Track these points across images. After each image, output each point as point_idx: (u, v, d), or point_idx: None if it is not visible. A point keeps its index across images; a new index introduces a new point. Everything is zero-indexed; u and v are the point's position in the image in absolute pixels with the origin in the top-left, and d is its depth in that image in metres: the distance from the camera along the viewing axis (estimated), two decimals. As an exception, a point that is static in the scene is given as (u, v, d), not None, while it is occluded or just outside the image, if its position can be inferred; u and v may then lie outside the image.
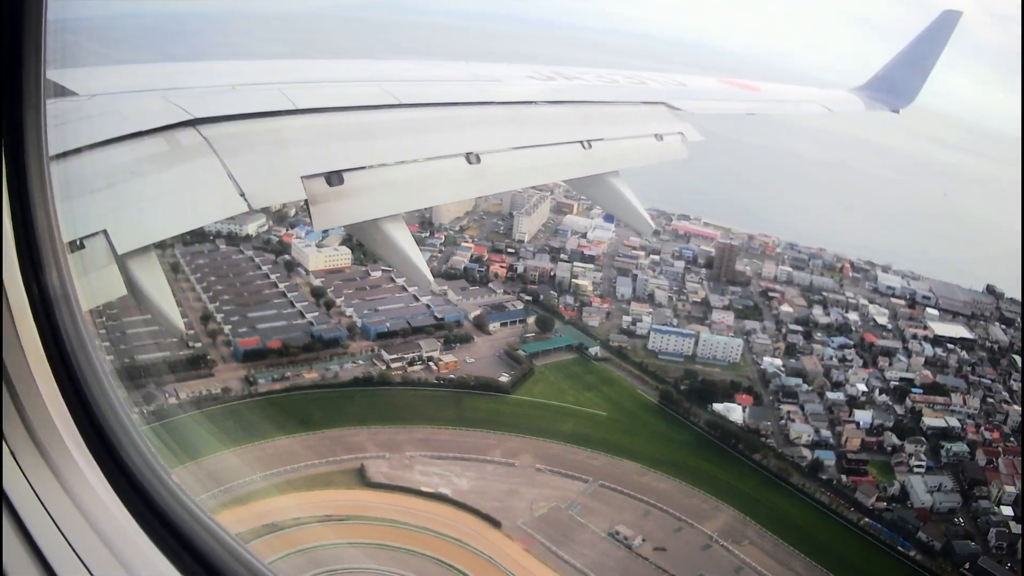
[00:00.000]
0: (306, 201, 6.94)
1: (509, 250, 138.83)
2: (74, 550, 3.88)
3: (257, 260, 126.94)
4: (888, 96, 20.82)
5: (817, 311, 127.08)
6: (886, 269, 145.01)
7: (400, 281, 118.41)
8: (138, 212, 6.33)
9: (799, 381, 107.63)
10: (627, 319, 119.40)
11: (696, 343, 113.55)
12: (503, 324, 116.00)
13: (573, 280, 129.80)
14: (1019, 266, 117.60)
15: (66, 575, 3.73)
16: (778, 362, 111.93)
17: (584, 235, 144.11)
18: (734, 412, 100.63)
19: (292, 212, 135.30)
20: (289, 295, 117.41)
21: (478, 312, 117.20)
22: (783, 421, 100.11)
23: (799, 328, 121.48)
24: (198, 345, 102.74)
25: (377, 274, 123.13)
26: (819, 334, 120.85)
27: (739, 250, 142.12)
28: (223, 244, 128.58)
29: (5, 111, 3.95)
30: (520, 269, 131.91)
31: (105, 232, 5.74)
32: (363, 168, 7.50)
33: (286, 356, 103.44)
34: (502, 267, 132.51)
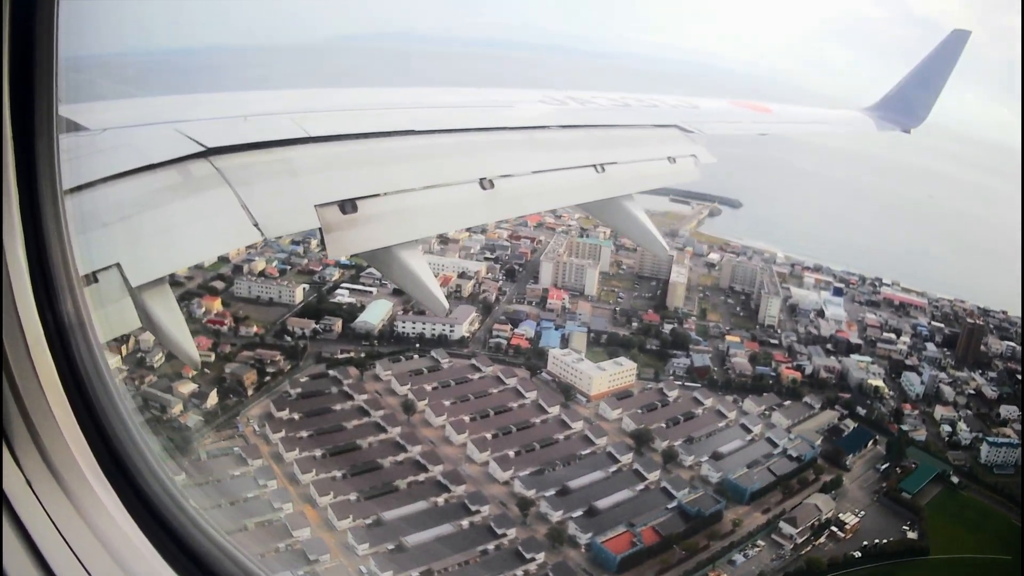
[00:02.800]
0: (320, 230, 6.90)
1: (772, 340, 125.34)
2: (88, 572, 3.88)
3: (510, 381, 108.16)
4: (899, 116, 20.78)
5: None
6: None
7: (708, 402, 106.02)
8: (151, 244, 6.31)
9: None
10: (945, 428, 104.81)
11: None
12: (852, 453, 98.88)
13: (869, 381, 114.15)
14: None
15: None
16: None
17: (820, 313, 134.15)
18: None
19: (511, 308, 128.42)
20: (596, 440, 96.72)
21: (819, 441, 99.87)
22: None
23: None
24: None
25: (674, 392, 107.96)
26: None
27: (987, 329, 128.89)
28: (444, 355, 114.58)
29: (18, 146, 3.96)
30: (808, 370, 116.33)
31: (119, 265, 5.72)
32: (377, 196, 7.46)
33: (669, 552, 78.26)
34: (788, 367, 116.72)
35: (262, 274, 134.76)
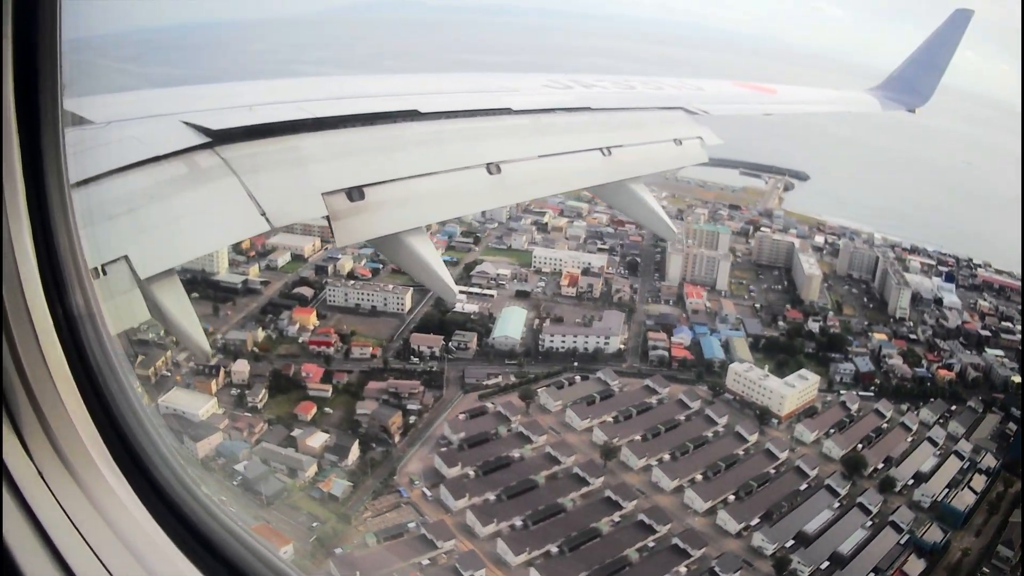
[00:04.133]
0: (327, 217, 6.89)
1: (911, 336, 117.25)
2: (103, 564, 3.89)
3: (694, 404, 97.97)
4: (904, 96, 20.86)
5: None
6: None
7: (889, 414, 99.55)
8: (159, 236, 6.31)
9: None
10: None
11: None
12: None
13: (1013, 379, 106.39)
14: None
15: None
16: None
17: (939, 302, 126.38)
18: None
19: (654, 310, 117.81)
20: (809, 472, 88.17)
21: (995, 450, 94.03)
22: None
23: None
24: None
25: (855, 405, 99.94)
26: None
27: None
28: (612, 375, 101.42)
29: (24, 141, 3.98)
30: (957, 368, 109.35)
31: (127, 258, 5.72)
32: (384, 182, 7.45)
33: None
34: (940, 367, 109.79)
35: (352, 276, 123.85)
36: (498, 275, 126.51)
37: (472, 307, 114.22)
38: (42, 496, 3.98)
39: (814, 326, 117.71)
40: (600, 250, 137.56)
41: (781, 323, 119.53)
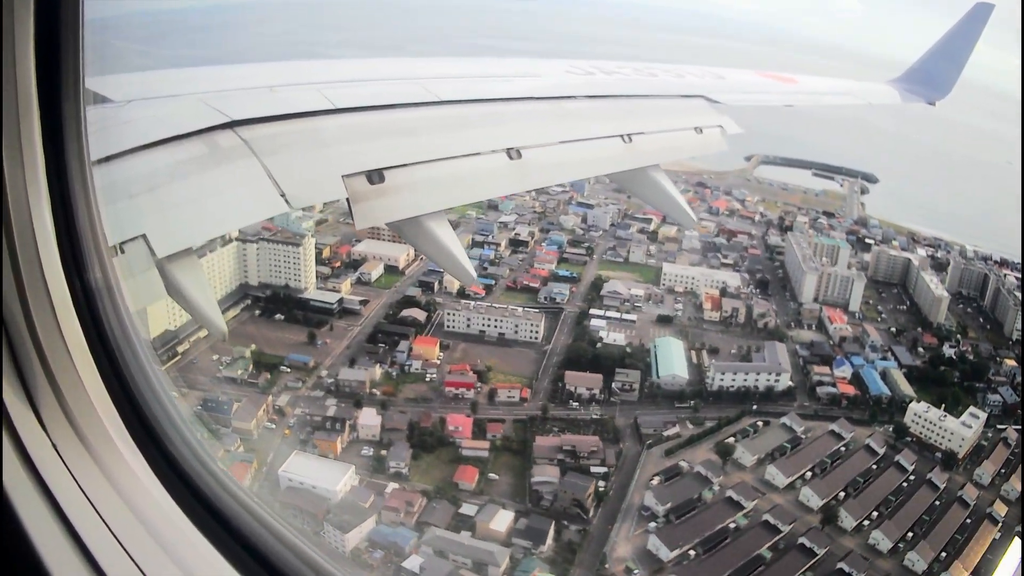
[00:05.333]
0: (348, 200, 6.88)
1: None
2: (117, 539, 3.88)
3: (879, 449, 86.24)
4: (924, 88, 20.76)
5: None
6: None
7: None
8: (178, 215, 6.32)
9: None
10: None
11: None
12: None
13: None
14: None
15: (108, 563, 3.71)
16: None
17: None
18: None
19: (802, 337, 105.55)
20: None
21: None
22: None
23: None
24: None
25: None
26: None
27: None
28: (795, 419, 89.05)
29: (45, 118, 3.98)
30: None
31: (145, 236, 5.75)
32: (404, 165, 7.44)
33: None
34: None
35: (463, 294, 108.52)
36: (632, 296, 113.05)
37: (617, 336, 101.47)
38: (56, 470, 3.98)
39: (950, 352, 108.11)
40: (724, 265, 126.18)
41: (920, 349, 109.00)
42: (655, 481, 78.67)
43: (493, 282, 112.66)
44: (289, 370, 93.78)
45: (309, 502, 71.03)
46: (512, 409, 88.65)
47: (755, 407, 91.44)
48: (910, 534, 76.20)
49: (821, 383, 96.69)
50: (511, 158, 8.32)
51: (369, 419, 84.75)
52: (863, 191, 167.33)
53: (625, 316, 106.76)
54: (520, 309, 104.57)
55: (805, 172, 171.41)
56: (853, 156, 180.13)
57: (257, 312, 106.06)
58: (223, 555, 4.17)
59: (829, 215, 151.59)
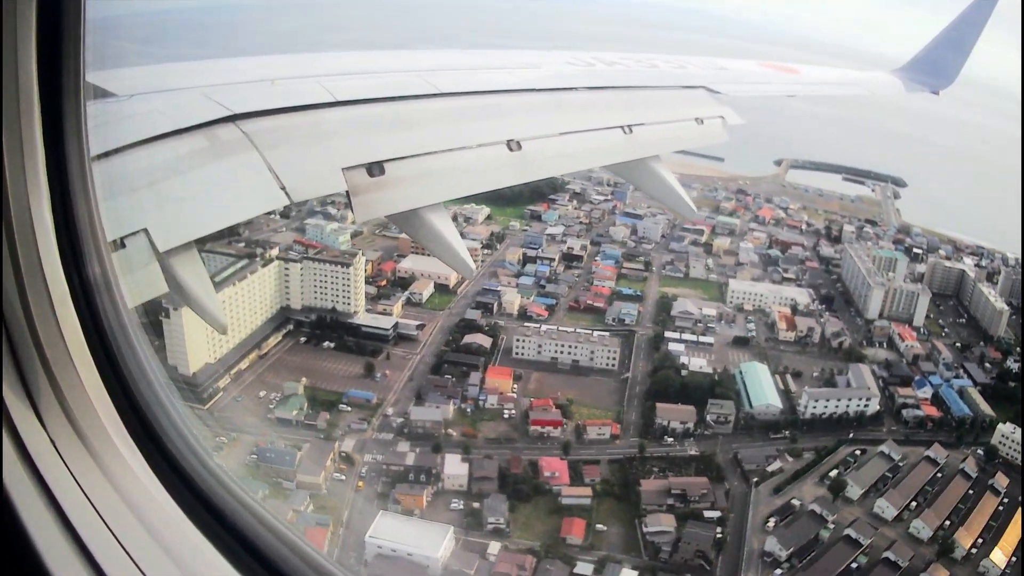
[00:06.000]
0: (348, 192, 6.89)
1: None
2: (115, 536, 3.89)
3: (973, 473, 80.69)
4: (928, 78, 20.72)
5: None
6: None
7: None
8: (179, 209, 6.35)
9: None
10: None
11: None
12: None
13: None
14: None
15: (106, 558, 3.72)
16: None
17: None
18: None
19: (878, 356, 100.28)
20: None
21: None
22: None
23: None
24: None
25: None
26: None
27: None
28: (892, 446, 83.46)
29: (46, 112, 3.99)
30: None
31: (146, 230, 5.75)
32: (404, 158, 7.45)
33: None
34: None
35: (525, 315, 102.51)
36: (704, 316, 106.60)
37: (699, 361, 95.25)
38: (55, 466, 4.00)
39: (1014, 366, 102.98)
40: (785, 280, 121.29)
41: (987, 364, 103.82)
42: (771, 523, 73.84)
43: (554, 302, 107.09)
44: (350, 408, 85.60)
45: (408, 573, 63.70)
46: (604, 448, 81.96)
47: (851, 435, 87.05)
48: (1014, 559, 72.91)
49: (906, 405, 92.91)
50: (511, 150, 8.31)
51: (455, 467, 76.67)
52: (895, 195, 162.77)
53: (702, 339, 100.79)
54: (594, 334, 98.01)
55: (835, 176, 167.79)
56: (870, 157, 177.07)
57: (302, 339, 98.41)
58: (220, 551, 4.19)
59: (871, 223, 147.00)
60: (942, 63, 21.12)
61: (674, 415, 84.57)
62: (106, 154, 5.84)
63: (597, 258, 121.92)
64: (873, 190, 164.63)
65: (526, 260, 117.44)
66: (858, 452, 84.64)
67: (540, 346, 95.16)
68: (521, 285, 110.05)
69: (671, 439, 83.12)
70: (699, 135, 11.10)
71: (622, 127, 9.83)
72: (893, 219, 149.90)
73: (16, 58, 3.75)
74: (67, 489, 3.92)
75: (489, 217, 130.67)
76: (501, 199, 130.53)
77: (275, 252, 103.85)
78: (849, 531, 72.97)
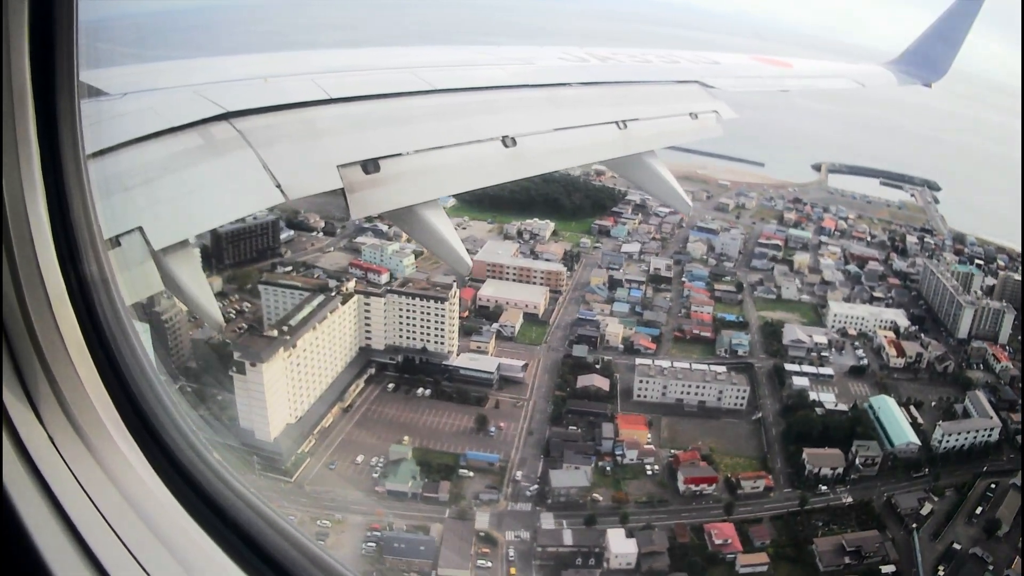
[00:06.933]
0: (343, 190, 6.88)
1: None
2: (115, 532, 3.89)
3: None
4: (920, 70, 20.77)
5: None
6: None
7: None
8: (174, 207, 6.33)
9: None
10: None
11: None
12: None
13: None
14: None
15: (106, 556, 3.72)
16: None
17: None
18: None
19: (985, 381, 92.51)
20: None
21: None
22: None
23: None
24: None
25: None
26: None
27: None
28: None
29: (39, 112, 3.99)
30: None
31: (141, 229, 5.75)
32: (399, 155, 7.45)
33: None
34: None
35: (632, 349, 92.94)
36: (816, 343, 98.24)
37: (828, 396, 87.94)
38: (54, 464, 4.00)
39: None
40: (875, 299, 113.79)
41: None
42: (941, 572, 68.71)
43: (657, 331, 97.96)
44: (471, 473, 74.18)
45: None
46: (761, 503, 74.03)
47: (985, 469, 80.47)
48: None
49: (1020, 431, 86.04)
50: (506, 146, 8.33)
51: (620, 544, 66.00)
52: (935, 201, 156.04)
53: (821, 370, 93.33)
54: (722, 371, 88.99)
55: (872, 181, 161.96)
56: (899, 159, 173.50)
57: (390, 385, 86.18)
58: (219, 545, 4.19)
59: (927, 232, 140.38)
60: (933, 55, 21.16)
61: (823, 461, 78.05)
62: (101, 153, 5.85)
63: (684, 279, 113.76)
64: (912, 195, 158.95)
65: (612, 283, 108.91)
66: (992, 485, 79.31)
67: (665, 387, 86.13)
68: (616, 312, 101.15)
69: (824, 487, 76.81)
70: (694, 129, 11.14)
71: (616, 122, 9.86)
72: (942, 226, 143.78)
73: (10, 58, 3.75)
74: (66, 486, 3.93)
75: (555, 233, 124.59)
76: (563, 212, 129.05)
77: (352, 284, 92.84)
78: (1009, 572, 68.54)
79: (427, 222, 7.37)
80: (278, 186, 6.52)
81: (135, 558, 3.79)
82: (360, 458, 74.47)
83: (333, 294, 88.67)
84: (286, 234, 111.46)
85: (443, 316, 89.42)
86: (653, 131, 10.42)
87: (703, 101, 11.67)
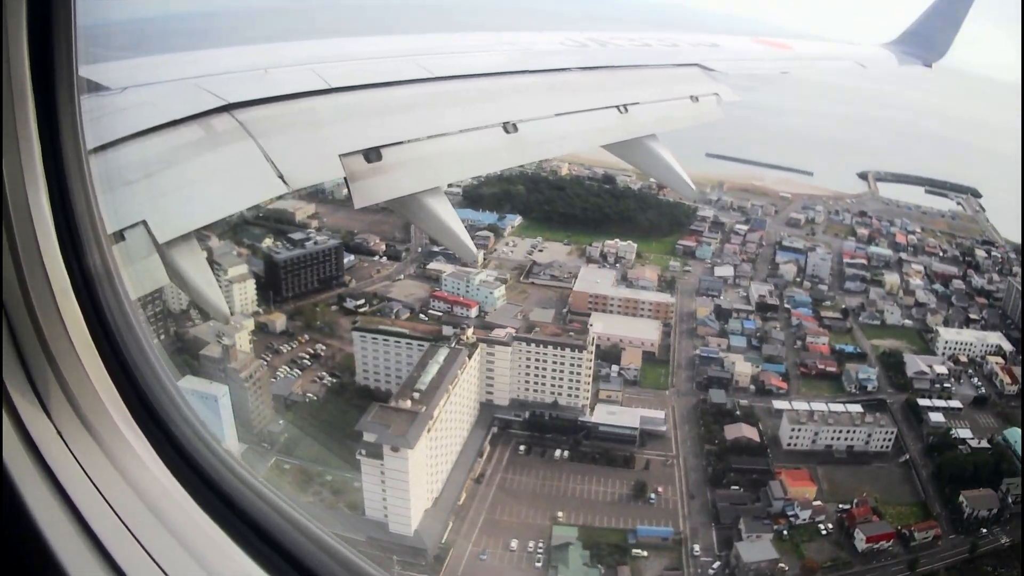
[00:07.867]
0: (345, 179, 6.88)
1: None
2: (122, 520, 3.90)
3: None
4: (920, 51, 20.78)
5: None
6: None
7: None
8: (177, 200, 6.33)
9: None
10: None
11: None
12: None
13: None
14: None
15: (116, 547, 3.72)
16: None
17: None
18: None
19: None
20: None
21: None
22: None
23: None
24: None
25: None
26: None
27: None
28: None
29: (40, 108, 4.00)
30: None
31: (145, 223, 5.75)
32: (401, 143, 7.44)
33: None
34: None
35: (763, 389, 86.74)
36: (938, 375, 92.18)
37: (965, 432, 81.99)
38: (60, 454, 4.02)
39: None
40: (971, 321, 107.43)
41: None
42: None
43: (783, 368, 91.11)
44: (645, 553, 65.43)
45: None
46: (934, 553, 69.08)
47: None
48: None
49: None
50: (508, 132, 8.31)
51: None
52: (982, 208, 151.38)
53: (951, 403, 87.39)
54: (860, 411, 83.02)
55: (917, 189, 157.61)
56: (925, 163, 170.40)
57: (521, 448, 76.76)
58: (229, 535, 4.20)
59: (990, 244, 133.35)
60: (934, 36, 21.15)
61: (980, 503, 72.81)
62: (102, 147, 5.84)
63: (787, 305, 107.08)
64: (959, 203, 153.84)
65: (720, 313, 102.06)
66: None
67: (816, 434, 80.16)
68: (734, 347, 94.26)
69: (983, 529, 71.57)
70: (695, 113, 11.12)
71: (617, 107, 9.85)
72: (998, 237, 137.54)
73: (9, 53, 3.75)
74: (74, 478, 3.94)
75: (639, 255, 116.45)
76: (639, 230, 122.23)
77: (471, 333, 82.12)
78: None
79: (431, 210, 7.35)
80: (280, 176, 6.52)
81: (145, 549, 3.79)
82: (514, 543, 65.55)
83: (453, 344, 78.73)
84: (347, 259, 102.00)
85: (579, 366, 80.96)
86: (654, 115, 10.39)
87: (704, 84, 11.66)
